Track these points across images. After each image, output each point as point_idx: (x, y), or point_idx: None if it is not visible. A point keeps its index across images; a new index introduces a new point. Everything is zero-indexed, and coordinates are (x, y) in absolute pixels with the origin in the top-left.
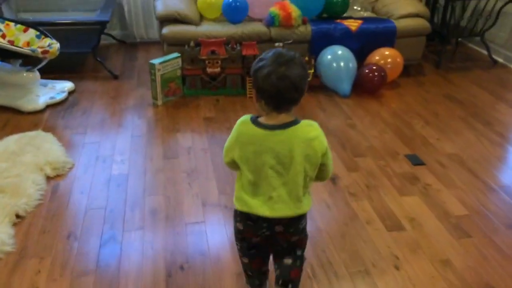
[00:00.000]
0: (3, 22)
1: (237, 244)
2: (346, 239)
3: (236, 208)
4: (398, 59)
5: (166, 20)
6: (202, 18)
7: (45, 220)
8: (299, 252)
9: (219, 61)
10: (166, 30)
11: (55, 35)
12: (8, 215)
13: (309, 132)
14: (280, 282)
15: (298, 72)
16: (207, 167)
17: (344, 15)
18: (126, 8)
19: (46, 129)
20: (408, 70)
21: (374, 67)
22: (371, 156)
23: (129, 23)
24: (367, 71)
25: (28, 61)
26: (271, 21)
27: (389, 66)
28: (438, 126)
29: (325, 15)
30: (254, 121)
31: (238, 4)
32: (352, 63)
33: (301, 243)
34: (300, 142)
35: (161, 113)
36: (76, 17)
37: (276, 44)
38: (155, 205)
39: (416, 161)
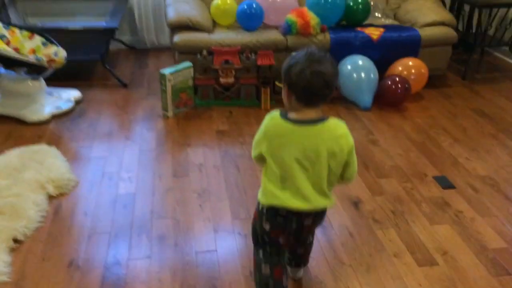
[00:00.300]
0: (7, 28)
1: (258, 253)
2: (372, 274)
3: (262, 204)
4: (423, 70)
5: (178, 27)
6: (215, 24)
7: (45, 246)
8: (310, 239)
9: (233, 71)
10: (177, 38)
11: (62, 42)
12: (5, 240)
13: (337, 129)
14: (293, 264)
15: (330, 69)
16: (220, 187)
17: (365, 22)
18: (136, 13)
19: (51, 141)
20: (432, 81)
21: (397, 79)
22: (397, 178)
23: (140, 29)
24: (389, 82)
25: (33, 69)
26: (288, 29)
27: (412, 77)
28: (467, 143)
29: (344, 22)
30: (284, 115)
31: (253, 11)
32: (374, 74)
33: (313, 237)
34: (327, 138)
35: (171, 126)
36: (84, 23)
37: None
38: (163, 229)
39: (445, 184)
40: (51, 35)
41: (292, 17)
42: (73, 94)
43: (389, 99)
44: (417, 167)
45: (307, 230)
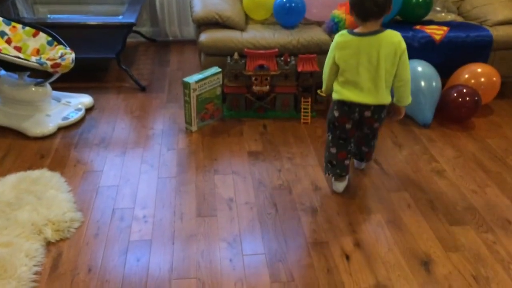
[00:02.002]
0: (9, 24)
1: (329, 135)
2: None
3: (334, 99)
4: (494, 78)
5: (205, 23)
6: (247, 19)
7: None
8: (373, 142)
9: (269, 78)
10: (204, 36)
11: (71, 38)
12: None
13: (393, 37)
14: (358, 158)
15: None
16: (254, 233)
17: (424, 19)
18: (157, 2)
19: (54, 163)
20: (502, 89)
21: (465, 90)
22: (474, 225)
23: (161, 19)
24: (455, 94)
25: (38, 72)
26: (334, 28)
27: (482, 87)
28: None
29: (399, 17)
30: (350, 31)
31: (293, 4)
32: (436, 83)
33: (377, 132)
34: (385, 45)
35: (195, 144)
36: (97, 17)
37: None
38: None
39: None
40: (59, 30)
41: (339, 13)
42: (84, 100)
43: (454, 114)
44: (497, 210)
45: (368, 122)
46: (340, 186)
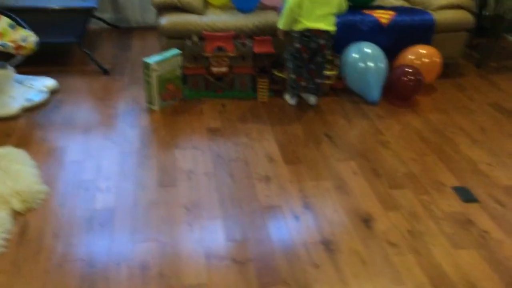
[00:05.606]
0: None
1: (290, 66)
2: None
3: (297, 30)
4: (436, 59)
5: (165, 7)
6: (206, 5)
7: (8, 278)
8: (323, 72)
9: (227, 59)
10: (164, 20)
11: (34, 22)
12: None
13: None
14: (311, 91)
15: None
16: (212, 200)
17: (373, 3)
18: None
19: (20, 141)
20: (444, 69)
21: (409, 70)
22: (411, 188)
23: (123, 6)
24: (400, 74)
25: (0, 56)
26: None
27: (425, 67)
28: (487, 146)
29: (350, 3)
30: None
31: None
32: (382, 63)
33: (326, 61)
34: None
35: (157, 122)
36: (59, 1)
37: None
38: (146, 256)
39: (467, 196)
40: (22, 15)
41: None
42: (47, 83)
43: (399, 92)
44: (434, 175)
45: (322, 50)
46: (294, 100)
